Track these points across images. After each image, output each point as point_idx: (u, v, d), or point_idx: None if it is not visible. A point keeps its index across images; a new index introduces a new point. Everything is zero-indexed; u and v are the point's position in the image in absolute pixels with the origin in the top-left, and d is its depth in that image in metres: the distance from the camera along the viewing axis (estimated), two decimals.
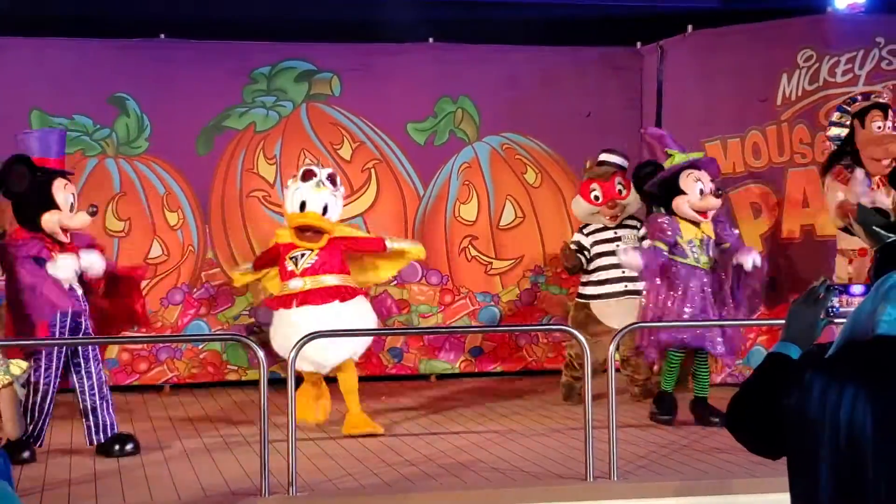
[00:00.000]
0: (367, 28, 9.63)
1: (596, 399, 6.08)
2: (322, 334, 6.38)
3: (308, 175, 7.60)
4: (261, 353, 5.87)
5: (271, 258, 7.84)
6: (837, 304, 2.88)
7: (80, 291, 6.89)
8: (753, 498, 5.78)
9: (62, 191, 6.91)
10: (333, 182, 7.67)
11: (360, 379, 7.71)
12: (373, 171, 9.84)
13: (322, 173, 7.63)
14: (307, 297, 7.42)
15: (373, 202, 9.81)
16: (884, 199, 7.54)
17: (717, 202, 7.73)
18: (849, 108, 7.92)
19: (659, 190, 7.77)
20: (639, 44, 10.21)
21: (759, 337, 8.83)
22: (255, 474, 5.87)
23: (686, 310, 7.45)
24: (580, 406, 6.43)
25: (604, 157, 8.55)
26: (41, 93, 9.24)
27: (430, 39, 9.91)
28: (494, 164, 10.05)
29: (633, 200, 8.36)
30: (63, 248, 6.86)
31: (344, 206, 9.46)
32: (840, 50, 8.81)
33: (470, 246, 9.91)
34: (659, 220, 7.65)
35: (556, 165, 10.11)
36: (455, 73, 9.95)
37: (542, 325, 10.08)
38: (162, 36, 9.51)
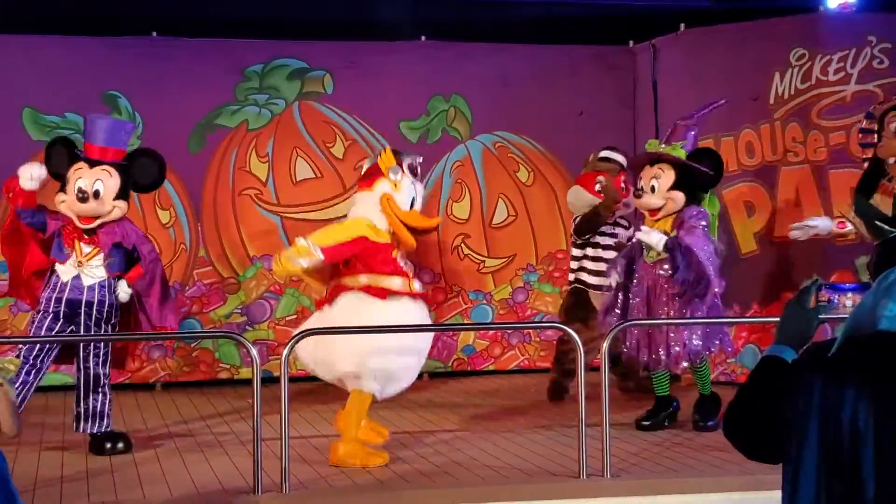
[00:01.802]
0: (360, 26, 9.62)
1: (589, 397, 6.08)
2: (314, 331, 6.33)
3: (414, 170, 6.67)
4: (254, 351, 5.86)
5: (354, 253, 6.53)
6: (834, 302, 2.86)
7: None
8: (747, 495, 5.79)
9: (73, 175, 6.80)
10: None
11: None
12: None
13: (418, 169, 6.75)
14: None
15: None
16: None
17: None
18: (874, 113, 7.69)
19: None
20: (631, 42, 10.22)
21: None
22: (248, 472, 5.86)
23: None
24: (571, 404, 6.43)
25: (608, 153, 8.42)
26: (33, 90, 9.22)
27: (423, 37, 9.90)
28: (487, 162, 10.04)
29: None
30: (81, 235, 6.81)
31: (337, 204, 9.55)
32: (832, 49, 8.82)
33: (462, 244, 9.90)
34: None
35: (548, 164, 10.11)
36: (448, 71, 9.94)
37: (534, 322, 10.09)
38: (154, 34, 9.49)
